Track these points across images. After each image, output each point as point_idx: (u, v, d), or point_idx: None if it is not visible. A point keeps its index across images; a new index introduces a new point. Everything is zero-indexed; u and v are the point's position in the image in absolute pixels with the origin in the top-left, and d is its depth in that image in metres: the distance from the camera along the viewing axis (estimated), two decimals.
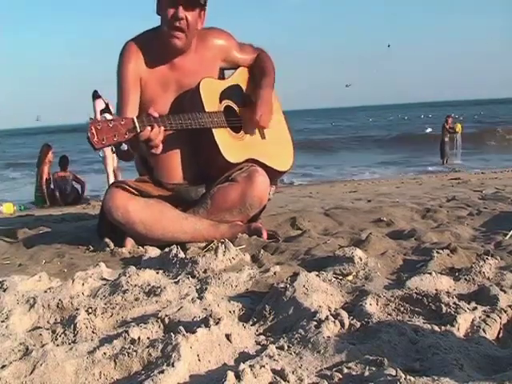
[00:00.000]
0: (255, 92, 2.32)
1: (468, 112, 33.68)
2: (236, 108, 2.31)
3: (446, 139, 12.23)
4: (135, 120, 1.84)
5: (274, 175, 2.33)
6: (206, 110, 2.14)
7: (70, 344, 1.07)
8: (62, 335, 1.13)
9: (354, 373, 0.88)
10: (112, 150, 1.91)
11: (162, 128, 1.90)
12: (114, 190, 2.05)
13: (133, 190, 2.07)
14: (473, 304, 1.15)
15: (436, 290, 1.23)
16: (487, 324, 1.05)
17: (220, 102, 2.25)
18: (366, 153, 17.29)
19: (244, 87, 2.39)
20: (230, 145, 2.19)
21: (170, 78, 2.21)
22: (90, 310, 1.20)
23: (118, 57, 2.20)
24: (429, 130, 18.97)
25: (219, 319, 1.05)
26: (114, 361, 0.95)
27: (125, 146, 1.85)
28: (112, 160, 8.58)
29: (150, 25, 2.29)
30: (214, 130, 2.13)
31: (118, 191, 2.04)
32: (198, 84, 2.17)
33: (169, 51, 2.20)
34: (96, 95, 8.42)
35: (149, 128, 1.85)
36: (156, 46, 2.18)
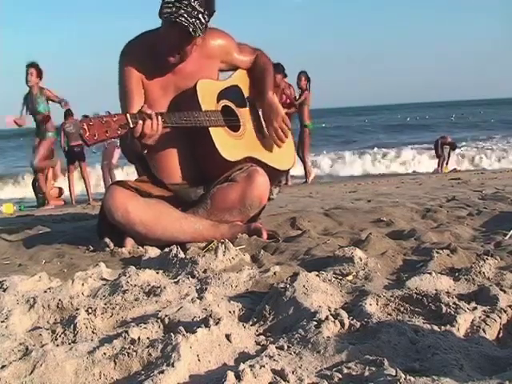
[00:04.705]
0: (260, 97, 2.33)
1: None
2: (234, 107, 2.31)
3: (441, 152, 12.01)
4: (128, 116, 1.85)
5: (274, 174, 2.32)
6: (203, 110, 2.14)
7: (69, 344, 1.07)
8: (62, 335, 1.12)
9: (353, 373, 0.88)
10: (117, 144, 1.94)
11: (155, 121, 1.90)
12: (114, 190, 2.05)
13: (133, 190, 2.07)
14: (473, 304, 1.15)
15: (436, 289, 1.23)
16: (487, 324, 1.05)
17: (217, 102, 2.24)
18: None
19: (243, 88, 2.38)
20: (228, 143, 2.19)
21: (170, 80, 2.20)
22: (89, 310, 1.20)
23: (119, 58, 2.19)
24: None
25: (219, 319, 1.05)
26: (114, 361, 0.95)
27: (117, 142, 1.85)
28: (109, 161, 8.58)
29: (148, 24, 2.28)
30: (210, 128, 2.13)
31: (117, 191, 2.04)
32: (195, 85, 2.16)
33: None
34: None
35: (141, 122, 1.86)
36: (157, 48, 2.16)
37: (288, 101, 7.68)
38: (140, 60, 2.17)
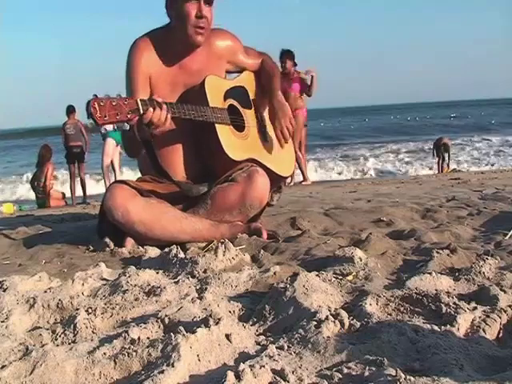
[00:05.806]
0: (269, 96, 2.38)
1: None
2: (240, 108, 2.32)
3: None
4: (138, 101, 1.85)
5: (275, 180, 2.33)
6: (210, 105, 2.14)
7: (69, 344, 1.07)
8: (62, 335, 1.12)
9: (353, 373, 0.88)
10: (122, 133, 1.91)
11: (165, 112, 1.91)
12: (114, 190, 2.04)
13: (133, 190, 2.07)
14: (473, 304, 1.15)
15: (436, 290, 1.23)
16: (487, 324, 1.05)
17: (224, 100, 2.26)
18: None
19: (249, 90, 2.40)
20: (233, 142, 2.20)
21: (179, 78, 2.21)
22: (89, 310, 1.20)
23: (128, 53, 2.18)
24: None
25: (219, 319, 1.05)
26: (114, 361, 0.95)
27: (127, 126, 1.85)
28: (109, 159, 8.58)
29: (148, 24, 2.28)
30: (216, 125, 2.14)
31: (118, 191, 2.04)
32: (204, 80, 2.18)
33: (181, 49, 2.19)
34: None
35: (151, 110, 1.87)
36: (167, 45, 2.17)
37: (300, 87, 7.35)
38: (149, 56, 2.17)
